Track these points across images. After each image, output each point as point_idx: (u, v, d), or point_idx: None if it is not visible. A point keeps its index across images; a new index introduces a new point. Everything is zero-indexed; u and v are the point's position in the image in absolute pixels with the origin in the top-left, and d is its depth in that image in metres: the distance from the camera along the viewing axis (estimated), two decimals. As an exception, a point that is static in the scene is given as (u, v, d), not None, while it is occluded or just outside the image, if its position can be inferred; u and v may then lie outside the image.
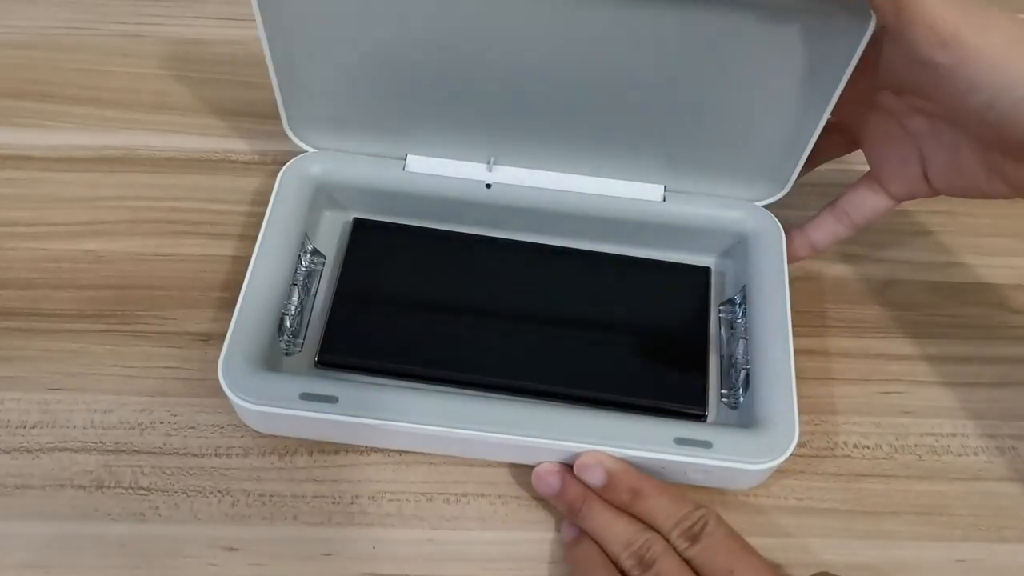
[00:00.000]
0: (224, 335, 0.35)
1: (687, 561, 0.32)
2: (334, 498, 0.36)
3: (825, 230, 0.40)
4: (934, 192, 0.37)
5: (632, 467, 0.34)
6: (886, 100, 0.36)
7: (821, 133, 0.39)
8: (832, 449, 0.38)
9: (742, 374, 0.38)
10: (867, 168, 0.39)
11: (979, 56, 0.30)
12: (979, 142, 0.34)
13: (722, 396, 0.39)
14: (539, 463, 0.36)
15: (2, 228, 0.42)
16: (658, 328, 0.40)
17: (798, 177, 0.41)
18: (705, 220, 0.41)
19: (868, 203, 0.39)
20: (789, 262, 0.40)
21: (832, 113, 0.38)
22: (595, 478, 0.34)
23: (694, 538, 0.32)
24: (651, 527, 0.33)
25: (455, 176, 0.41)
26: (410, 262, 0.41)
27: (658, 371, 0.38)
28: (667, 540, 0.32)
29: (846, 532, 0.36)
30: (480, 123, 0.40)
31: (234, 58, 0.50)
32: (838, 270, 0.44)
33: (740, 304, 0.40)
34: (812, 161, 0.41)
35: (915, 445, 0.39)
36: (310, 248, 0.41)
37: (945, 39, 0.31)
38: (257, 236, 0.38)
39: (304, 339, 0.39)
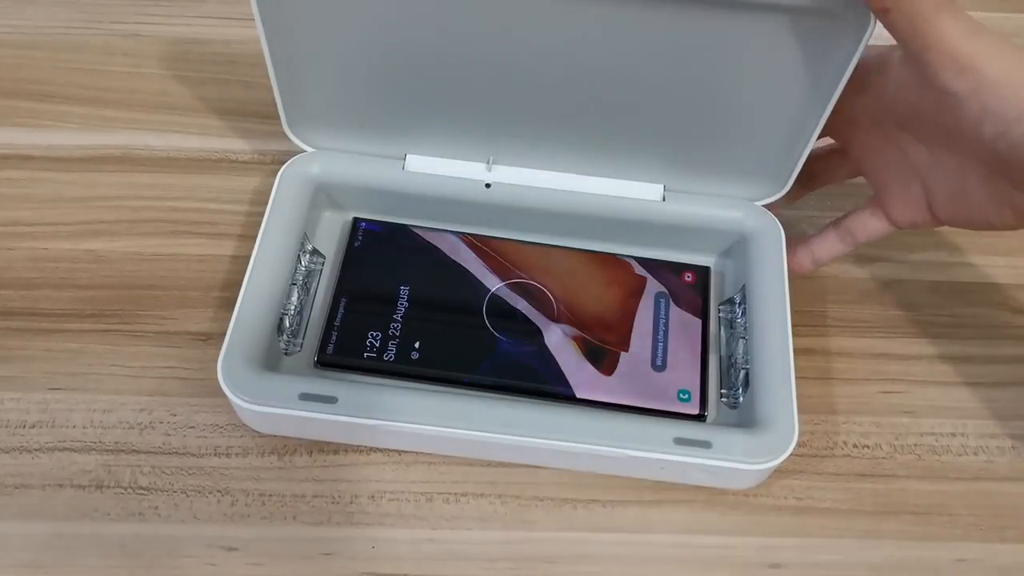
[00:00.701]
0: (224, 335, 0.35)
1: None
2: (334, 498, 0.36)
3: (828, 247, 0.41)
4: (938, 222, 0.37)
5: None
6: (888, 129, 0.37)
7: (824, 157, 0.40)
8: (832, 449, 0.38)
9: (742, 374, 0.38)
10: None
11: (994, 86, 0.31)
12: (987, 171, 0.34)
13: (722, 396, 0.39)
14: (539, 462, 0.36)
15: (2, 228, 0.42)
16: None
17: (801, 196, 0.42)
18: (705, 220, 0.41)
19: (871, 227, 0.40)
20: (791, 274, 0.40)
21: (835, 139, 0.40)
22: None
23: None
24: None
25: (455, 176, 0.41)
26: (410, 262, 0.41)
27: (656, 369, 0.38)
28: None
29: (846, 532, 0.36)
30: (480, 123, 0.40)
31: (234, 58, 0.50)
32: (838, 270, 0.44)
33: (740, 304, 0.40)
34: (812, 183, 0.43)
35: (915, 445, 0.39)
36: (310, 248, 0.41)
37: (962, 67, 0.31)
38: (257, 236, 0.38)
39: (303, 339, 0.39)
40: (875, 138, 0.38)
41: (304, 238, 0.40)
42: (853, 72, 0.34)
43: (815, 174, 0.42)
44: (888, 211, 0.39)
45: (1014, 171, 0.32)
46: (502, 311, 0.39)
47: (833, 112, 0.36)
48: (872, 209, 0.39)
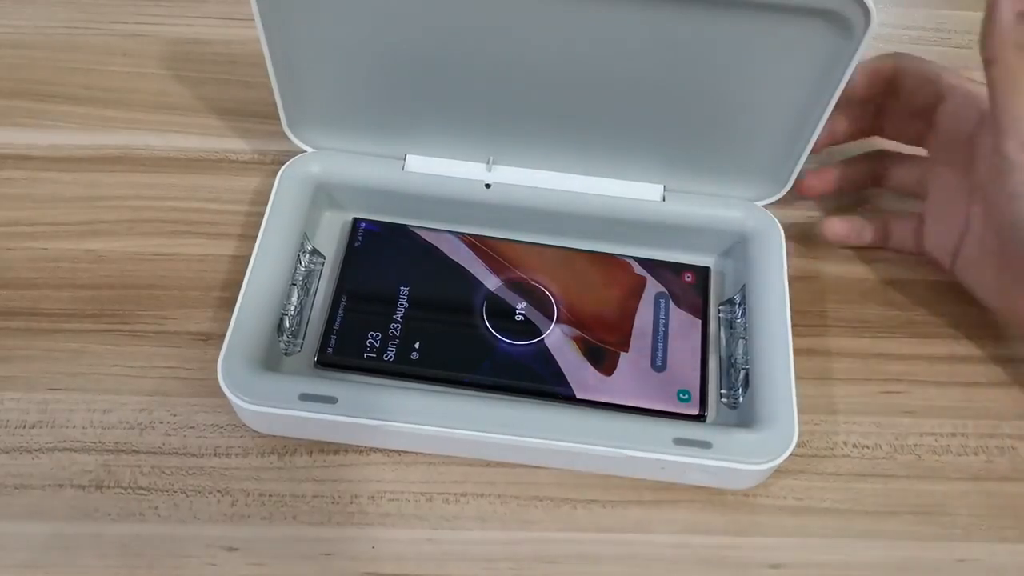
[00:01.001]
0: (224, 335, 0.35)
1: None
2: (334, 498, 0.36)
3: (868, 233, 0.43)
4: (951, 273, 0.40)
5: None
6: (973, 176, 0.38)
7: (899, 166, 0.42)
8: (832, 449, 0.38)
9: (742, 374, 0.38)
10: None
11: None
12: (999, 257, 0.36)
13: (722, 396, 0.39)
14: (539, 463, 0.36)
15: (2, 228, 0.42)
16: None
17: (854, 190, 0.44)
18: (705, 220, 0.41)
19: (903, 241, 0.42)
20: (829, 238, 0.42)
21: (933, 150, 0.41)
22: None
23: None
24: None
25: (454, 176, 0.41)
26: (410, 262, 0.41)
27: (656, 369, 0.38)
28: None
29: (846, 532, 0.36)
30: (479, 123, 0.40)
31: (234, 58, 0.50)
32: (838, 270, 0.44)
33: (740, 304, 0.40)
34: (878, 180, 0.44)
35: (915, 445, 0.39)
36: (309, 248, 0.41)
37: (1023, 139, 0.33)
38: (257, 236, 0.39)
39: (303, 339, 0.39)
40: (961, 174, 0.39)
41: (304, 238, 0.40)
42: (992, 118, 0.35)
43: (884, 172, 0.43)
44: (924, 235, 0.41)
45: (1014, 257, 0.35)
46: (502, 311, 0.39)
47: (955, 132, 0.38)
48: (914, 225, 0.41)
